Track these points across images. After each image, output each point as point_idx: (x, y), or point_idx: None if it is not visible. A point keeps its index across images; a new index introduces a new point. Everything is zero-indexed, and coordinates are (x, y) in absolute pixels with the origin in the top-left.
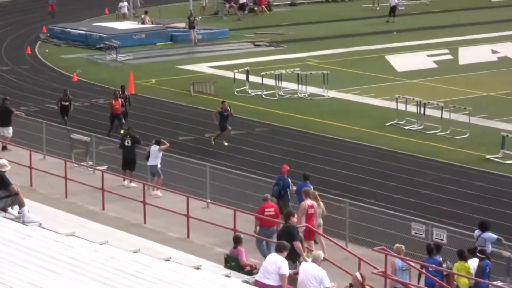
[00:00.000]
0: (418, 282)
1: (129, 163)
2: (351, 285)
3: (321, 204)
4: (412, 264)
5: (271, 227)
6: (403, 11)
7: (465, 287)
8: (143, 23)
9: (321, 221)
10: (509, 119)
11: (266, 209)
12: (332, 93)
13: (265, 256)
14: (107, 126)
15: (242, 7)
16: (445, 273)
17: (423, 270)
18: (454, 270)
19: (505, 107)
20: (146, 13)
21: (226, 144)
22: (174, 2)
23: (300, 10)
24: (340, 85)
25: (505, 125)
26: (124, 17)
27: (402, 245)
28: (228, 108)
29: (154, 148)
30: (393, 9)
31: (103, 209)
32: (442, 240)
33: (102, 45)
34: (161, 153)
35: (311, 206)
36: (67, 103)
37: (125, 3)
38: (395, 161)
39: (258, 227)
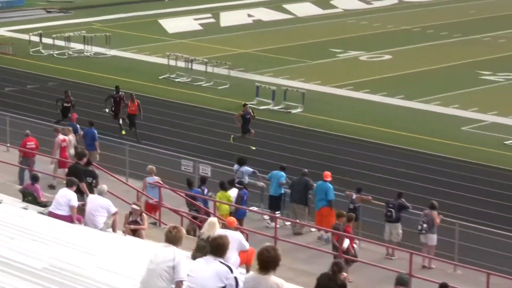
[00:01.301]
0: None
1: None
2: (130, 213)
3: None
4: (161, 182)
5: (31, 158)
6: None
7: (226, 212)
8: None
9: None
10: (261, 71)
11: (28, 143)
12: (114, 52)
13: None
14: None
15: None
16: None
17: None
18: (216, 198)
19: (258, 62)
20: None
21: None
22: None
23: None
24: (120, 45)
25: (258, 77)
26: None
27: (153, 166)
28: (250, 111)
29: None
30: None
31: None
32: (207, 174)
33: None
34: None
35: (63, 140)
36: (69, 105)
37: None
38: (170, 109)
39: (21, 158)
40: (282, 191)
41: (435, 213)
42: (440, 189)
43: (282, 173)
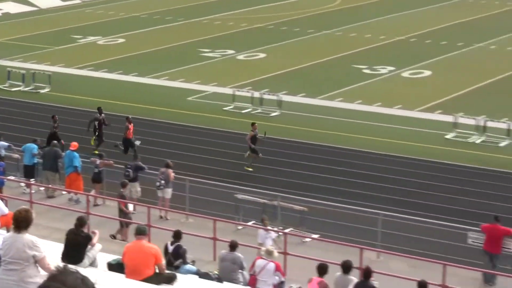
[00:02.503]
0: None
1: None
2: None
3: None
4: None
5: None
6: None
7: None
8: None
9: None
10: (12, 58)
11: None
12: None
13: None
14: None
15: None
16: None
17: None
18: None
19: (8, 50)
20: None
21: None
22: None
23: None
24: None
25: (9, 62)
26: None
27: None
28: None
29: None
30: None
31: None
32: None
33: None
34: None
35: None
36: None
37: None
38: None
39: None
40: (35, 161)
41: (170, 170)
42: (171, 151)
43: (34, 145)
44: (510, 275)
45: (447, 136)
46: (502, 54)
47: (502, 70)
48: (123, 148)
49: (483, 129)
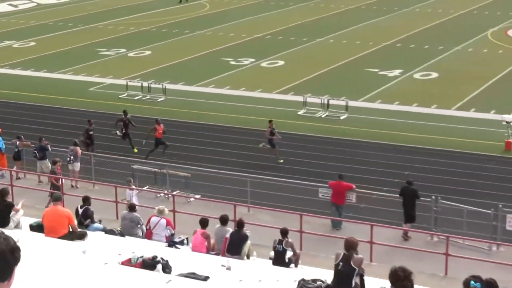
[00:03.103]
0: None
1: None
2: None
3: None
4: None
5: None
6: None
7: None
8: None
9: None
10: None
11: None
12: None
13: None
14: None
15: None
16: None
17: None
18: None
19: None
20: None
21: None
22: None
23: None
24: None
25: None
26: None
27: None
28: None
29: None
30: None
31: None
32: None
33: None
34: None
35: None
36: (92, 133)
37: None
38: None
39: None
40: None
41: (77, 148)
42: (77, 132)
43: None
44: (352, 221)
45: (299, 113)
46: (339, 46)
47: (340, 59)
48: (154, 148)
49: (326, 106)
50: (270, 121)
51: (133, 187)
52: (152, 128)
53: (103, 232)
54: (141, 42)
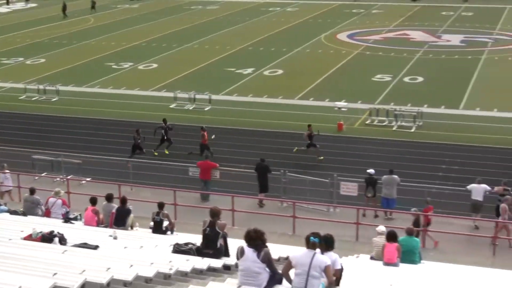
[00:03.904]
0: None
1: None
2: None
3: None
4: None
5: None
6: None
7: None
8: None
9: None
10: None
11: None
12: None
13: None
14: None
15: None
16: None
17: None
18: None
19: None
20: None
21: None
22: None
23: None
24: None
25: None
26: None
27: None
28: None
29: None
30: None
31: None
32: None
33: None
34: None
35: None
36: (140, 141)
37: None
38: None
39: None
40: None
41: None
42: None
43: None
44: (217, 193)
45: (171, 106)
46: (202, 50)
47: (203, 61)
48: (198, 152)
49: (193, 100)
50: (309, 126)
51: (7, 171)
52: (201, 135)
53: (8, 213)
54: (36, 52)
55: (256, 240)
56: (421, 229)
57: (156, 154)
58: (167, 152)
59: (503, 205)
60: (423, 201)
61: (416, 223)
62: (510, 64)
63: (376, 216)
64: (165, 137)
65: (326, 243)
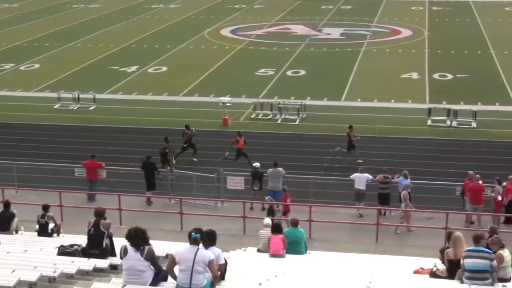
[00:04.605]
0: None
1: None
2: None
3: None
4: None
5: None
6: None
7: None
8: None
9: None
10: None
11: None
12: None
13: None
14: None
15: None
16: None
17: None
18: None
19: None
20: None
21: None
22: None
23: None
24: None
25: None
26: None
27: None
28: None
29: None
30: None
31: None
32: None
33: None
34: None
35: None
36: (168, 150)
37: None
38: None
39: None
40: None
41: None
42: None
43: None
44: (104, 193)
45: (55, 106)
46: (86, 49)
47: (87, 59)
48: (234, 158)
49: (78, 100)
50: (351, 127)
51: None
52: (234, 140)
53: None
54: None
55: (136, 238)
56: (279, 218)
57: (195, 160)
58: (195, 160)
59: (404, 192)
60: (305, 192)
61: (270, 211)
62: (388, 55)
63: (263, 209)
64: (189, 143)
65: (209, 238)
